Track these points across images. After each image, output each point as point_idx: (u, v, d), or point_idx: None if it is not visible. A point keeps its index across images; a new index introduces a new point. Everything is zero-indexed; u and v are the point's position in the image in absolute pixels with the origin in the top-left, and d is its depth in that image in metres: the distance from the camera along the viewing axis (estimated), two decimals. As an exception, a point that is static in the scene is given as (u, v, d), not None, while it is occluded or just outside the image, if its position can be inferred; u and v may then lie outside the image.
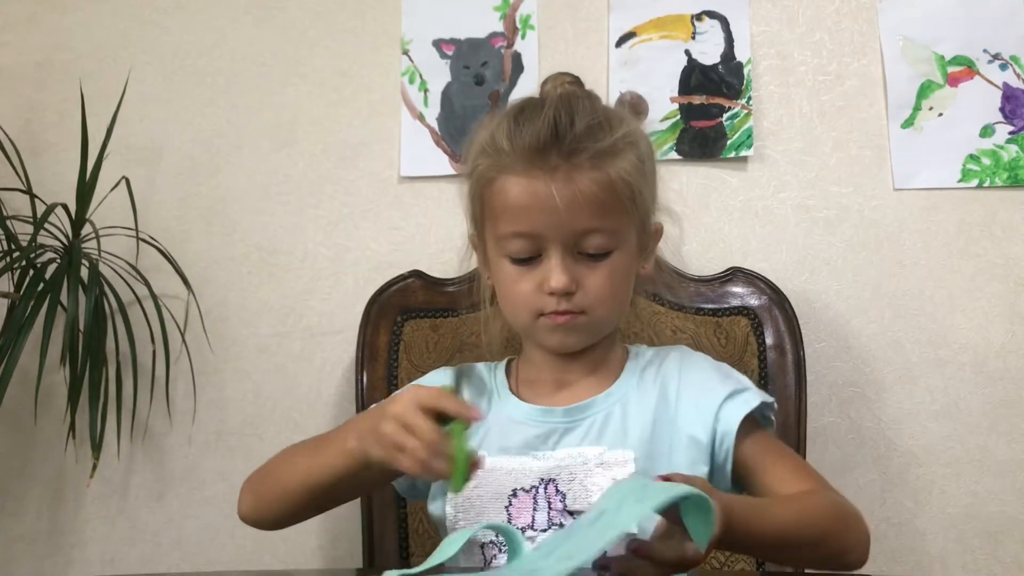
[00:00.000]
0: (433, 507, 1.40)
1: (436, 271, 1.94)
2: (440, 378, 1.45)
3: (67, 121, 2.08)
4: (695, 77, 2.00)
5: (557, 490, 1.30)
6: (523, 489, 1.30)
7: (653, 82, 2.01)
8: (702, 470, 1.30)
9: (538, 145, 1.24)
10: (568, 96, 1.31)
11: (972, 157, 1.93)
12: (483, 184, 1.31)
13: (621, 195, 1.26)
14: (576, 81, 1.39)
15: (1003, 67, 1.93)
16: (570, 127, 1.25)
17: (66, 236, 1.95)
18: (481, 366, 1.48)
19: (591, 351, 1.38)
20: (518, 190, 1.26)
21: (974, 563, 1.90)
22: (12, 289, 1.91)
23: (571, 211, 1.24)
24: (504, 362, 1.48)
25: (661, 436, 1.33)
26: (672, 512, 0.96)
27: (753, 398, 1.33)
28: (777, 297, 1.81)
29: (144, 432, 2.05)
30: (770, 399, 1.36)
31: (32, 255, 1.90)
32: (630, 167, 1.27)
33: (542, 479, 1.31)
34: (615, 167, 1.26)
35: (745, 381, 1.37)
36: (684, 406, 1.34)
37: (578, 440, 1.33)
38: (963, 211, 1.93)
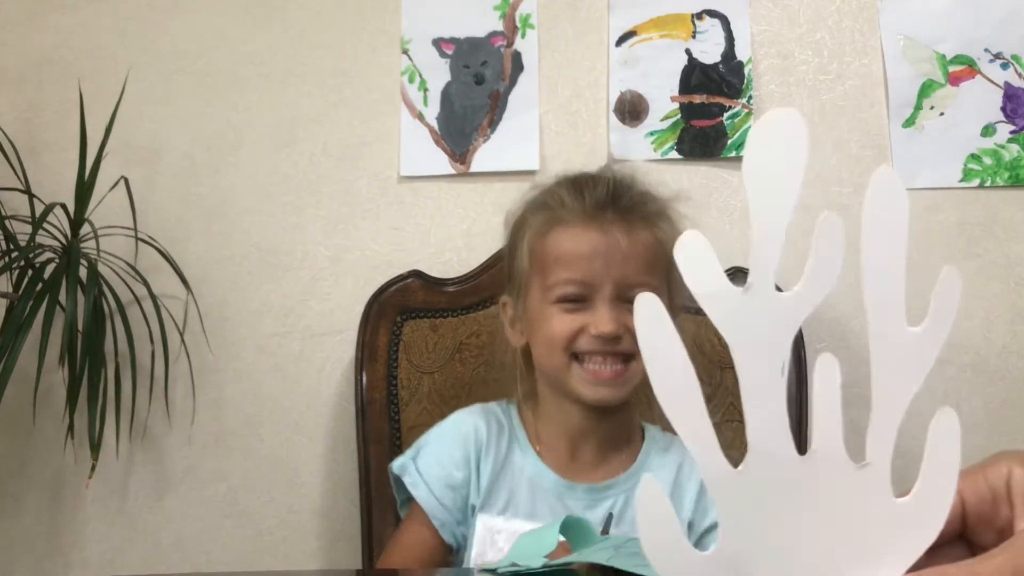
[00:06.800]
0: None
1: (436, 271, 1.94)
2: (463, 418, 1.48)
3: (66, 121, 2.08)
4: (695, 76, 2.00)
5: None
6: None
7: (653, 81, 2.01)
8: None
9: (598, 202, 1.36)
10: (622, 170, 1.45)
11: (973, 156, 1.93)
12: (536, 237, 1.39)
13: (666, 256, 1.31)
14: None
15: (1004, 66, 1.93)
16: (627, 190, 1.37)
17: (65, 236, 1.94)
18: (495, 405, 1.51)
19: (609, 420, 1.41)
20: (575, 240, 1.35)
21: (975, 564, 1.90)
22: (11, 289, 1.90)
23: (624, 262, 1.33)
24: (515, 405, 1.51)
25: None
26: None
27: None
28: (778, 297, 1.80)
29: (143, 432, 2.05)
30: None
31: (31, 255, 1.89)
32: (675, 234, 1.32)
33: None
34: (664, 230, 1.37)
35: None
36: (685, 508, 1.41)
37: (599, 520, 1.38)
38: (964, 211, 1.93)
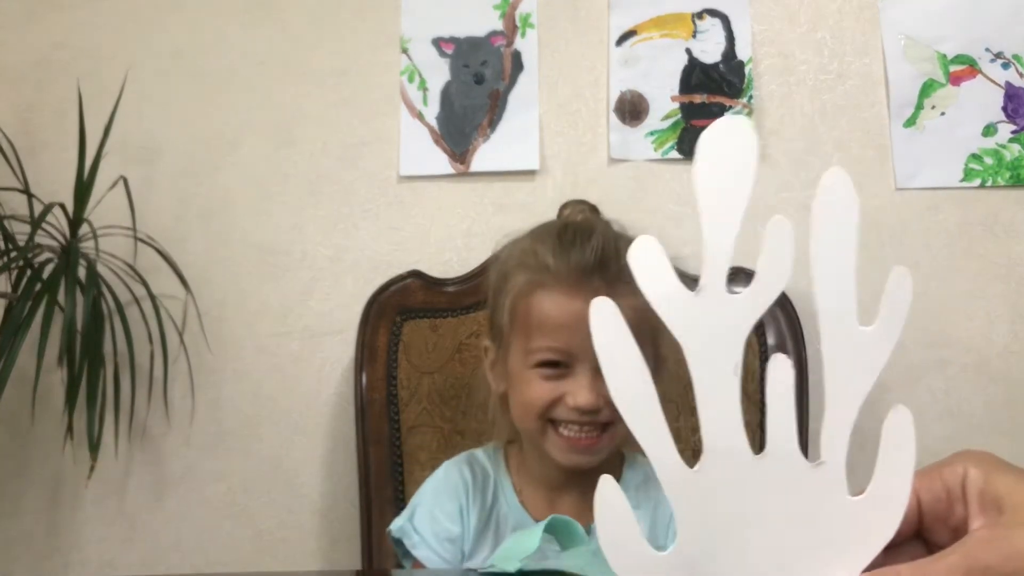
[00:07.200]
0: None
1: (435, 271, 1.94)
2: (451, 470, 1.46)
3: (65, 120, 2.08)
4: (696, 76, 1.99)
5: None
6: None
7: (654, 81, 2.00)
8: None
9: (583, 268, 1.29)
10: (612, 229, 1.38)
11: (974, 156, 1.92)
12: (518, 297, 1.34)
13: (651, 322, 1.26)
14: (594, 209, 1.49)
15: (1005, 66, 1.92)
16: (615, 256, 1.29)
17: (64, 236, 1.94)
18: (481, 453, 1.49)
19: (587, 471, 1.38)
20: (558, 308, 1.30)
21: (976, 566, 1.88)
22: (9, 289, 1.91)
23: None
24: (502, 448, 1.49)
25: None
26: None
27: None
28: (779, 297, 1.80)
29: (142, 433, 2.05)
30: None
31: (29, 255, 1.89)
32: None
33: None
34: None
35: None
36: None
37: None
38: (965, 211, 1.92)
